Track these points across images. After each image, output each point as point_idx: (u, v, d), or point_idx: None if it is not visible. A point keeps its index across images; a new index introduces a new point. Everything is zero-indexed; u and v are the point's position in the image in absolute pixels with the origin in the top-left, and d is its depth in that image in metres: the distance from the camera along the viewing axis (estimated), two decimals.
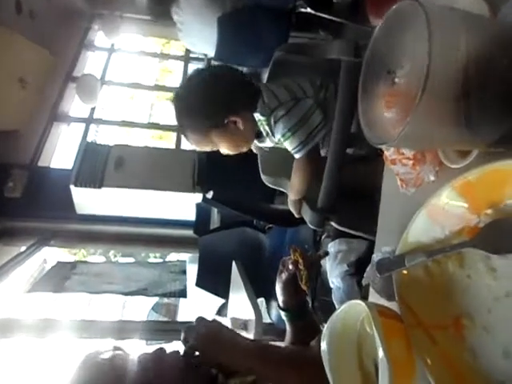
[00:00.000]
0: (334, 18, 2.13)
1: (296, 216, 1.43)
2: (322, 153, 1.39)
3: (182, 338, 0.86)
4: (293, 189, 1.38)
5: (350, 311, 0.64)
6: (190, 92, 1.28)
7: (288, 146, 1.28)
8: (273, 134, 1.29)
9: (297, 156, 1.29)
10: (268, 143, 1.39)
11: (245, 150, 1.37)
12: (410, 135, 0.35)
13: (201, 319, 0.88)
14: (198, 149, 1.36)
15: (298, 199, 1.39)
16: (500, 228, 0.48)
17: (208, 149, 1.33)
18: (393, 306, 0.62)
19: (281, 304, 1.10)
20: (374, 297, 0.69)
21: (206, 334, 0.85)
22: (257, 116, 1.28)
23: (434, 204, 0.55)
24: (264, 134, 1.33)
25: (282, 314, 1.10)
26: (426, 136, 0.38)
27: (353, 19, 2.06)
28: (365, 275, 0.68)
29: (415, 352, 0.55)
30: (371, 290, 0.69)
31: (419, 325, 0.57)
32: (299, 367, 0.87)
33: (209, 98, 1.24)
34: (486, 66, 0.34)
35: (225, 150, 1.32)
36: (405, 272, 0.59)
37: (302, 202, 1.38)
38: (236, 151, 1.34)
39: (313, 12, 2.08)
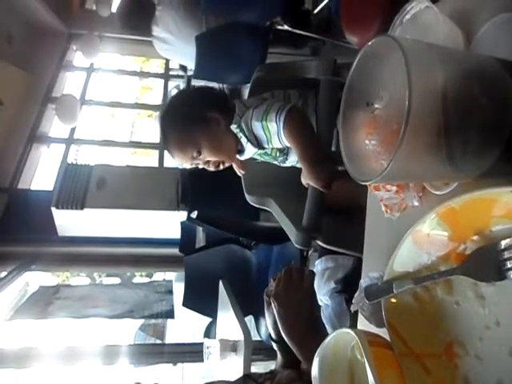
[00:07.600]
0: (311, 35, 2.15)
1: (327, 187, 1.13)
2: None
3: None
4: (302, 157, 1.17)
5: (339, 339, 0.62)
6: (173, 103, 1.41)
7: (270, 128, 1.21)
8: (250, 139, 1.28)
9: (281, 125, 1.19)
10: (250, 152, 1.35)
11: (227, 160, 1.36)
12: (393, 173, 0.35)
13: None
14: (180, 161, 1.36)
15: (317, 160, 1.14)
16: (486, 255, 0.48)
17: (189, 156, 1.31)
18: (383, 332, 0.61)
19: (272, 335, 1.08)
20: (363, 322, 0.68)
21: None
22: (233, 128, 1.29)
23: (418, 230, 0.54)
24: (244, 143, 1.31)
25: (274, 344, 1.08)
26: (409, 173, 0.38)
27: (329, 35, 2.09)
28: (353, 301, 0.67)
29: (408, 382, 0.54)
30: (360, 315, 0.69)
31: (411, 353, 0.56)
32: None
33: (190, 100, 1.36)
34: (463, 103, 0.34)
35: (207, 153, 1.30)
36: (393, 299, 0.58)
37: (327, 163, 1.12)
38: (218, 156, 1.32)
39: (290, 29, 2.10)
